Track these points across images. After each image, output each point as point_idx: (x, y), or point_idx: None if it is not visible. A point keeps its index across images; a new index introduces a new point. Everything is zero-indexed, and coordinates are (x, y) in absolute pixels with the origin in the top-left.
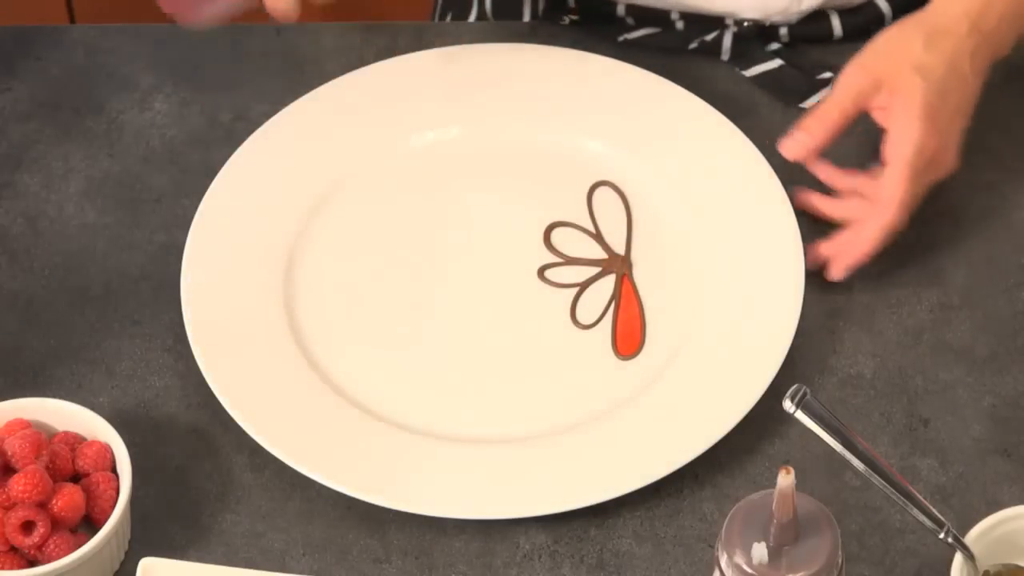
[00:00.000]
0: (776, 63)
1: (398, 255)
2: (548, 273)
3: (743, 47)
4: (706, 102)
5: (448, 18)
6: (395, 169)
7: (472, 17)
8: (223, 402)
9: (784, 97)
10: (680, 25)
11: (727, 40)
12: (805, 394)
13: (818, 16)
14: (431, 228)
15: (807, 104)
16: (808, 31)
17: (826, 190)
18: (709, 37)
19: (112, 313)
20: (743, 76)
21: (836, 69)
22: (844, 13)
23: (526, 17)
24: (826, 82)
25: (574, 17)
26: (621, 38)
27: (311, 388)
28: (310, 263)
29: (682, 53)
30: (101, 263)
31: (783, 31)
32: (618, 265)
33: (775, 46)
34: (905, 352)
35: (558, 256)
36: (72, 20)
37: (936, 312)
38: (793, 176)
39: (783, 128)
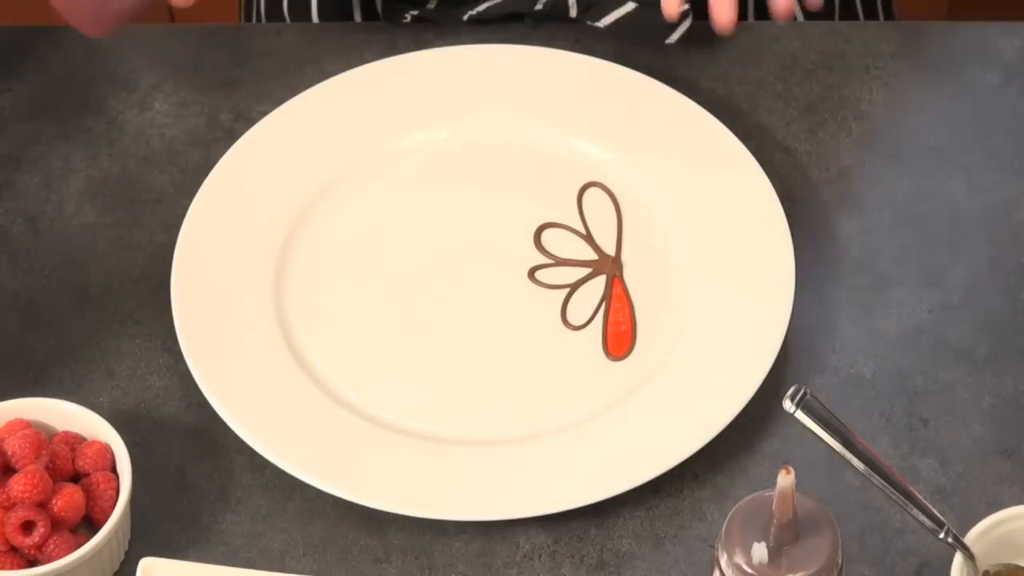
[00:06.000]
0: (629, 6)
1: (389, 256)
2: (539, 274)
3: None
4: (695, 102)
5: (254, 19)
6: (385, 170)
7: (287, 19)
8: (220, 411)
9: (646, 39)
10: None
11: None
12: (805, 394)
13: None
14: (422, 229)
15: (673, 40)
16: None
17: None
18: None
19: (112, 313)
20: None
21: None
22: None
23: (357, 18)
24: (686, 13)
25: (414, 12)
26: (466, 16)
27: (304, 392)
28: (299, 269)
29: (548, 22)
30: (101, 263)
31: None
32: (609, 266)
33: None
34: (905, 352)
35: (549, 257)
36: None
37: (936, 312)
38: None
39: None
